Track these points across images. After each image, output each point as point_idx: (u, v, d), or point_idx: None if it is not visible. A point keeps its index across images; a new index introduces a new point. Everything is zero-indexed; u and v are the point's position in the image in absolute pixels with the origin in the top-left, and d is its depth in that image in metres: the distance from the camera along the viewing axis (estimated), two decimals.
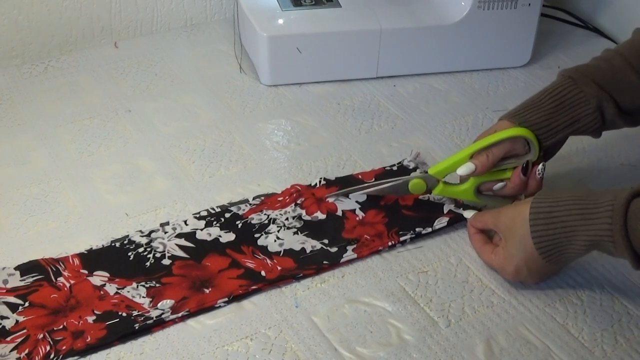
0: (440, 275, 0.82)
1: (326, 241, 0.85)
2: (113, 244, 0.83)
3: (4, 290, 0.77)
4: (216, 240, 0.84)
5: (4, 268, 0.79)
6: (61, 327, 0.74)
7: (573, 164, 0.99)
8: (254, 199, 0.90)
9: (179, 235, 0.85)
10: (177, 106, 1.07)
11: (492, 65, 1.19)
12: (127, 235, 0.84)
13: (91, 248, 0.82)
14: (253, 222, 0.87)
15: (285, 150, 1.00)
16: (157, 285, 0.79)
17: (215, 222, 0.87)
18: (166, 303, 0.76)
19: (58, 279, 0.79)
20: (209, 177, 0.94)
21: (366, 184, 0.91)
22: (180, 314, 0.75)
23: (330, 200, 0.90)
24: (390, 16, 1.12)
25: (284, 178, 0.94)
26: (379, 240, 0.85)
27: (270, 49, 1.09)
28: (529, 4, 1.13)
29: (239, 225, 0.86)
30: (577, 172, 0.98)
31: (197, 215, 0.87)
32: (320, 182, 0.93)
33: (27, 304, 0.76)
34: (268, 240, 0.85)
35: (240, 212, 0.88)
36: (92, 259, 0.81)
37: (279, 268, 0.81)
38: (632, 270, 0.74)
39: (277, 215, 0.88)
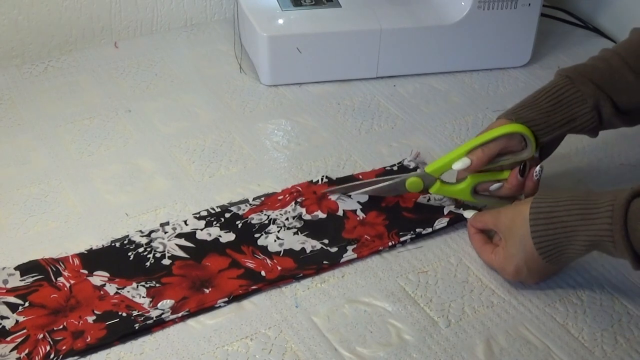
0: (440, 275, 0.82)
1: (326, 241, 0.85)
2: (113, 244, 0.83)
3: (4, 290, 0.77)
4: (216, 240, 0.84)
5: (4, 268, 0.79)
6: (61, 327, 0.73)
7: (573, 164, 0.99)
8: (254, 199, 0.90)
9: (179, 235, 0.85)
10: (177, 106, 1.07)
11: (492, 65, 1.19)
12: (127, 235, 0.84)
13: (91, 248, 0.82)
14: (253, 222, 0.87)
15: (285, 150, 1.00)
16: (157, 285, 0.79)
17: (215, 222, 0.87)
18: (166, 303, 0.76)
19: (58, 279, 0.79)
20: (209, 177, 0.94)
21: (364, 182, 0.91)
22: (180, 314, 0.75)
23: (331, 197, 0.90)
24: (390, 16, 1.12)
25: (284, 178, 0.94)
26: (379, 240, 0.85)
27: (270, 49, 1.09)
28: (529, 4, 1.13)
29: (239, 225, 0.86)
30: (577, 172, 0.98)
31: (197, 215, 0.87)
32: (322, 179, 0.93)
33: (27, 304, 0.76)
34: (268, 240, 0.85)
35: (240, 212, 0.88)
36: (92, 259, 0.81)
37: (279, 268, 0.81)
38: (632, 270, 0.74)
39: (277, 215, 0.88)
